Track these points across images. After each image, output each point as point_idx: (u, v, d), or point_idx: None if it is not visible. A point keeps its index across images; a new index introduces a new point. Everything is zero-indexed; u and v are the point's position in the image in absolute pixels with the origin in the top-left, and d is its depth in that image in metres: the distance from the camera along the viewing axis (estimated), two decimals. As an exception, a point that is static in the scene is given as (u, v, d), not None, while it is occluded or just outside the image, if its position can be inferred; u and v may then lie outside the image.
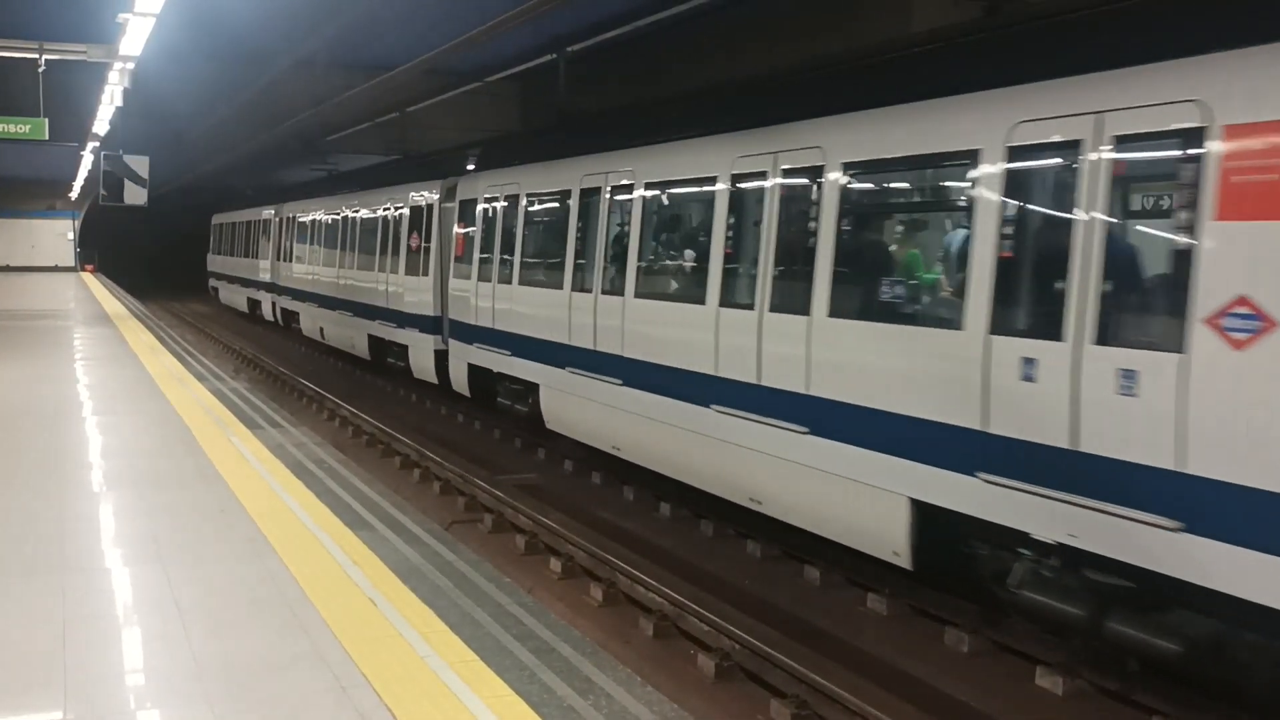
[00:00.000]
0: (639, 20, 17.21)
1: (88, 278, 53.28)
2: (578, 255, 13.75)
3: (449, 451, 15.75)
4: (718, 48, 18.10)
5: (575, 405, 13.79)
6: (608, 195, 13.25)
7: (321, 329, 27.18)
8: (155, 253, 67.19)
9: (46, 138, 21.33)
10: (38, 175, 50.20)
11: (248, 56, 21.29)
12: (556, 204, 14.67)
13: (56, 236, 60.16)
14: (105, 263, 61.39)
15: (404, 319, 20.64)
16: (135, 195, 29.43)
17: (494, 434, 17.64)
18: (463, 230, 17.59)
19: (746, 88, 13.14)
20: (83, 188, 49.46)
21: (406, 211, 20.77)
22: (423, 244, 19.81)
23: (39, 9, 17.44)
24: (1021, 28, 8.81)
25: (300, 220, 29.93)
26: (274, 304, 33.34)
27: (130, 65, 18.38)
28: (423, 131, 27.32)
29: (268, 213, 34.00)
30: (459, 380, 17.61)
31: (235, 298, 40.60)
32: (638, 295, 12.38)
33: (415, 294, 20.08)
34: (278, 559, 7.23)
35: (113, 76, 19.65)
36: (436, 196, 19.46)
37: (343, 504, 8.80)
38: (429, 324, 19.36)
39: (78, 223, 60.02)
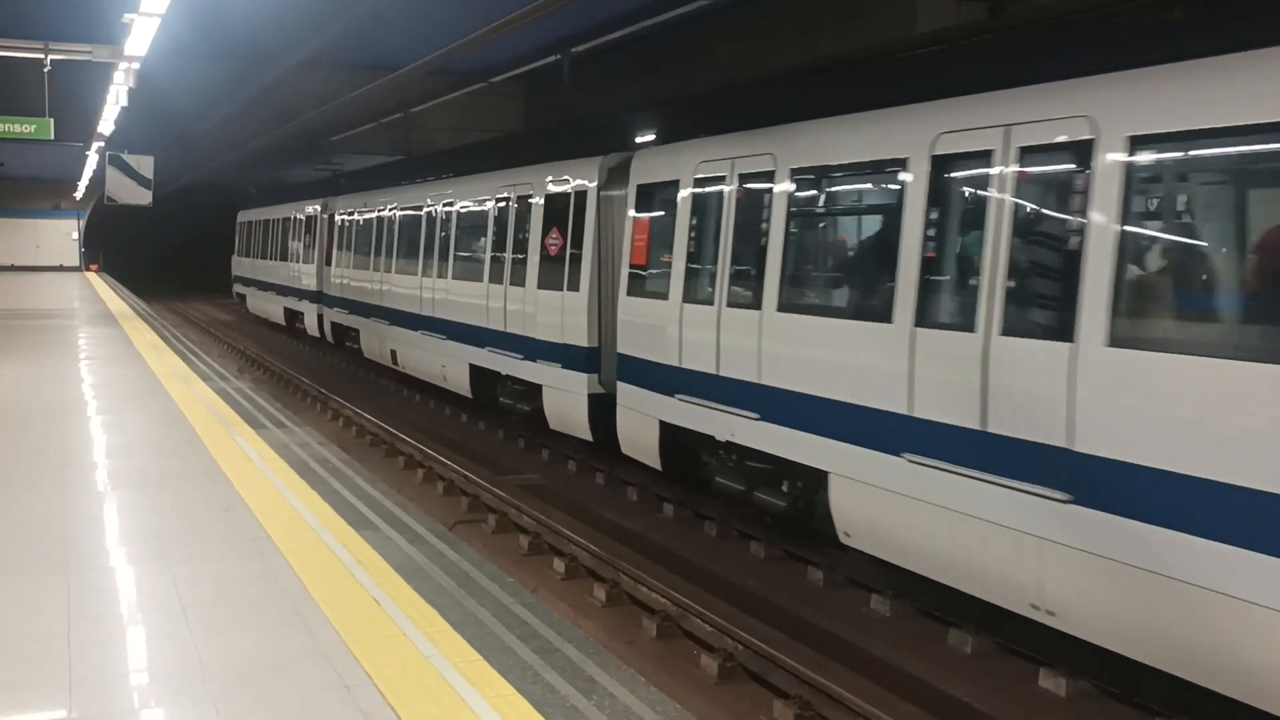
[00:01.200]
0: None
1: (92, 277, 53.35)
2: (931, 268, 8.52)
3: (453, 451, 15.77)
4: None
5: (919, 516, 8.43)
6: (1009, 168, 7.78)
7: (393, 352, 21.65)
8: (160, 252, 67.38)
9: (52, 137, 21.38)
10: (43, 175, 50.28)
11: (252, 56, 21.32)
12: (868, 184, 9.76)
13: (61, 236, 60.19)
14: (110, 262, 61.46)
15: (535, 348, 15.35)
16: (139, 195, 29.54)
17: (498, 434, 17.65)
18: (645, 228, 12.71)
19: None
20: (87, 187, 49.53)
21: (539, 203, 15.52)
22: (567, 247, 14.57)
23: (44, 9, 17.48)
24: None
25: (359, 217, 24.68)
26: (320, 317, 27.82)
27: (135, 65, 18.40)
28: (427, 131, 27.34)
29: (312, 208, 28.84)
30: (638, 442, 12.65)
31: (269, 307, 34.85)
32: (1118, 343, 6.91)
33: (556, 315, 14.70)
34: (281, 558, 7.24)
35: (118, 76, 19.68)
36: (592, 182, 14.22)
37: (346, 503, 8.81)
38: (579, 358, 14.12)
39: (82, 222, 60.07)
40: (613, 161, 14.17)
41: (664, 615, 9.14)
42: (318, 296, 28.11)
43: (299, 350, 31.13)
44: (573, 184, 14.66)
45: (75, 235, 60.50)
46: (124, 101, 22.06)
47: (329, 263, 26.93)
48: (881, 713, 7.10)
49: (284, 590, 6.60)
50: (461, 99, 25.03)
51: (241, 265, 41.52)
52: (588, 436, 14.06)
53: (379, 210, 23.24)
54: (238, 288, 42.44)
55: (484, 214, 17.38)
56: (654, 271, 12.39)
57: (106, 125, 25.85)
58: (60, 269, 58.50)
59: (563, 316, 14.46)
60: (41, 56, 18.48)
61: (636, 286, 12.68)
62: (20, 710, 4.99)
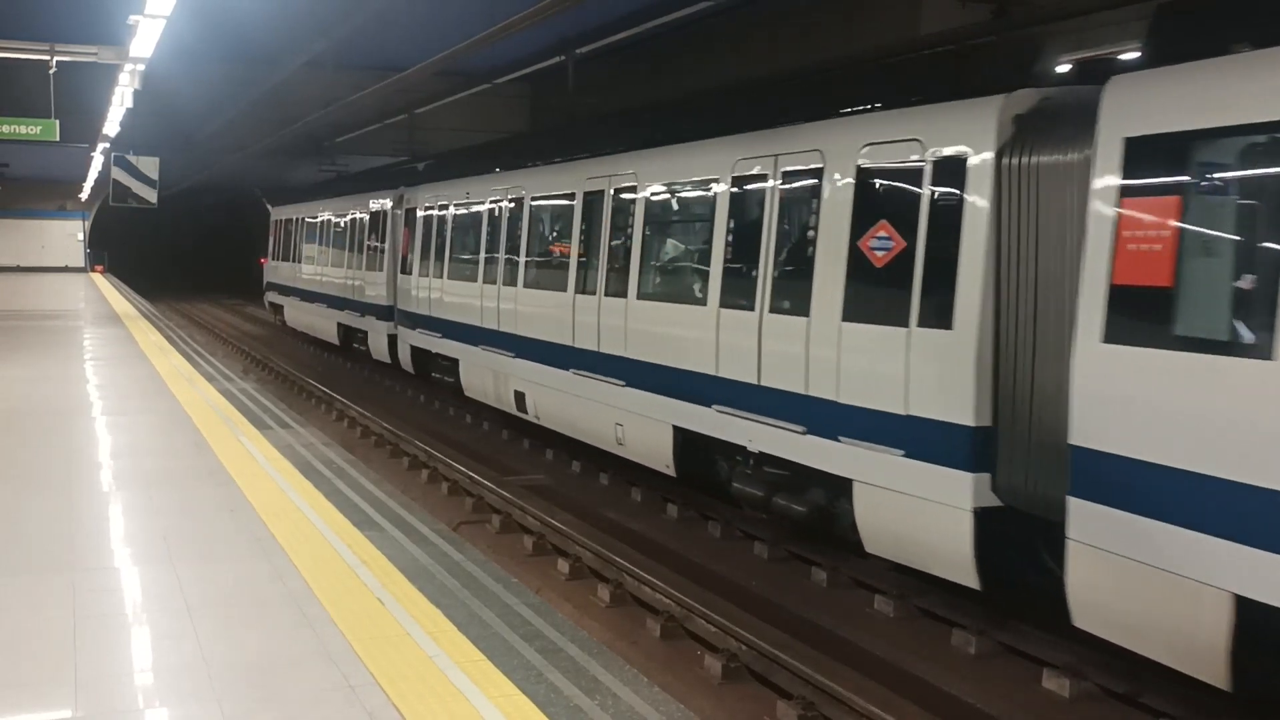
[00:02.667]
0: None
1: (97, 278, 53.45)
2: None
3: (457, 452, 15.79)
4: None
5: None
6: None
7: (520, 395, 15.67)
8: (166, 254, 67.53)
9: (57, 139, 21.42)
10: (48, 176, 50.39)
11: (257, 58, 21.35)
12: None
13: (66, 237, 60.34)
14: (115, 263, 61.59)
15: (834, 418, 9.51)
16: (145, 196, 29.59)
17: (502, 435, 17.67)
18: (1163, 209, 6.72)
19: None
20: (93, 188, 49.63)
21: (841, 181, 9.60)
22: (920, 252, 8.69)
23: (50, 11, 17.52)
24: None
25: (458, 210, 18.78)
26: (393, 339, 22.04)
27: (141, 67, 18.43)
28: (431, 133, 27.36)
29: (380, 201, 23.47)
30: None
31: (317, 323, 28.90)
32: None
33: (892, 365, 8.88)
34: (286, 558, 7.26)
35: (123, 78, 19.72)
36: (988, 136, 8.20)
37: (351, 504, 8.83)
38: (951, 443, 8.38)
39: (87, 223, 60.19)
40: (1028, 101, 8.22)
41: (668, 616, 9.15)
42: (389, 313, 22.29)
43: (304, 351, 31.16)
44: (938, 145, 8.54)
45: (80, 236, 60.62)
46: (129, 103, 22.10)
47: (406, 270, 21.04)
48: (885, 714, 7.10)
49: (289, 590, 6.62)
50: (466, 100, 25.05)
51: (278, 271, 34.78)
52: (969, 581, 8.32)
53: (494, 200, 17.12)
54: (272, 297, 35.83)
55: (708, 201, 11.45)
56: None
57: (112, 127, 25.89)
58: (65, 270, 58.60)
59: (908, 368, 8.63)
60: (47, 58, 18.52)
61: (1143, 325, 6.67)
62: (25, 709, 5.01)
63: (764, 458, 10.43)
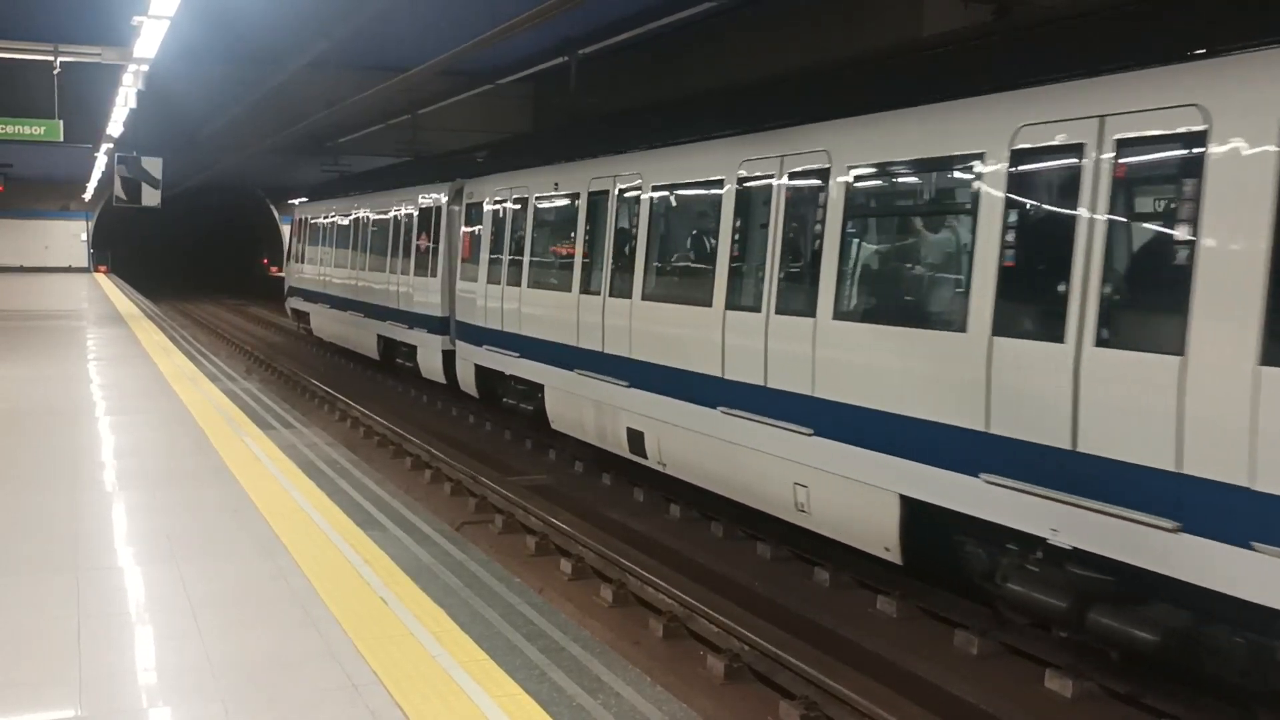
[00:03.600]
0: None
1: (101, 278, 53.51)
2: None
3: (460, 452, 15.80)
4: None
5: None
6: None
7: (635, 433, 12.60)
8: (169, 254, 67.62)
9: (61, 139, 21.46)
10: (52, 176, 50.47)
11: (260, 58, 21.38)
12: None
13: (70, 237, 60.42)
14: (118, 264, 61.67)
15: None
16: (148, 196, 29.63)
17: (504, 435, 17.68)
18: None
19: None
20: (96, 189, 49.68)
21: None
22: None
23: (54, 12, 17.56)
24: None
25: (543, 205, 15.45)
26: (449, 356, 18.98)
27: (144, 67, 18.47)
28: (433, 133, 27.39)
29: (431, 197, 20.32)
30: None
31: (350, 333, 25.75)
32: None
33: None
34: (290, 558, 7.27)
35: (127, 78, 19.76)
36: None
37: (354, 504, 8.84)
38: None
39: (91, 224, 60.27)
40: None
41: (670, 616, 9.15)
42: (443, 325, 19.24)
43: (306, 352, 31.18)
44: None
45: (84, 236, 60.69)
46: (133, 103, 22.14)
47: (469, 275, 17.92)
48: (887, 714, 7.11)
49: (292, 590, 6.63)
50: (469, 100, 25.08)
51: (301, 275, 31.26)
52: None
53: (598, 190, 13.72)
54: (295, 303, 32.21)
55: (966, 191, 8.27)
56: None
57: (115, 127, 25.93)
58: (69, 270, 58.67)
59: None
60: (51, 59, 18.55)
61: None
62: (30, 708, 5.02)
63: (1073, 553, 7.23)
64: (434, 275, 19.76)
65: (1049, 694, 7.92)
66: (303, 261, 31.30)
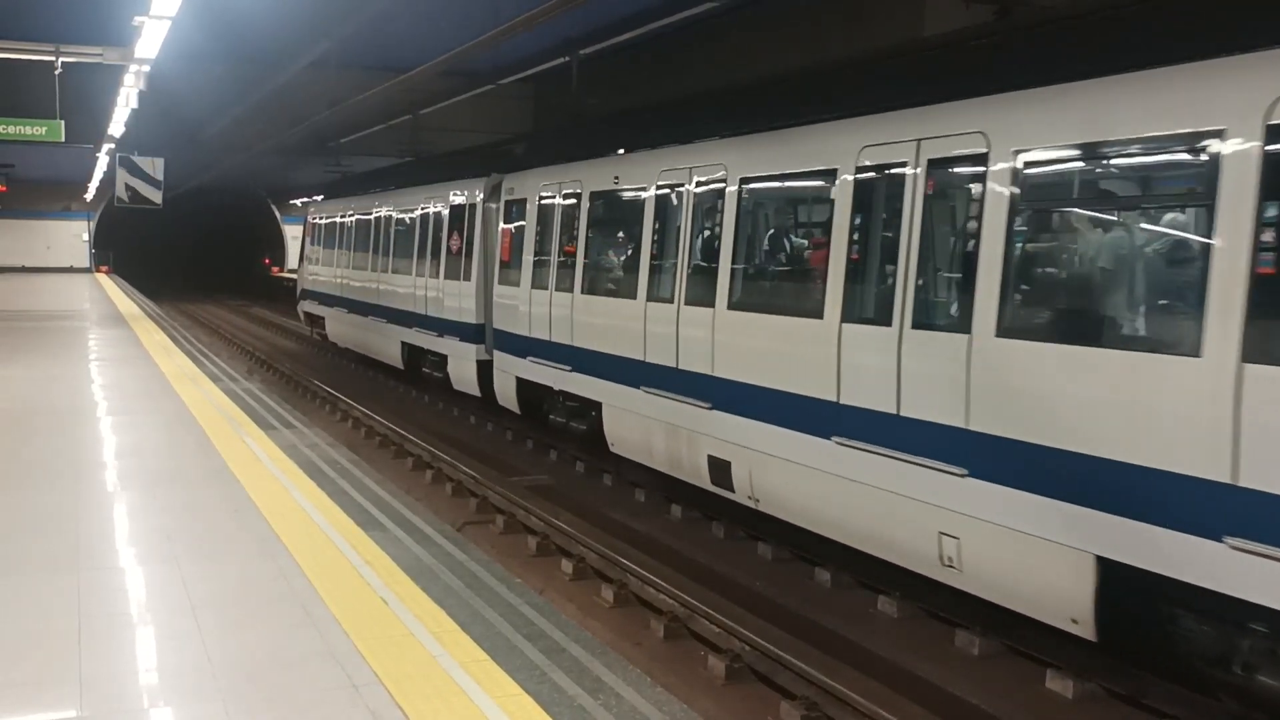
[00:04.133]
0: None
1: (102, 279, 53.53)
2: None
3: (461, 453, 15.80)
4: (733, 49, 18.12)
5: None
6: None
7: (741, 473, 10.79)
8: (171, 254, 67.64)
9: (62, 139, 21.49)
10: (53, 177, 50.51)
11: (262, 58, 21.40)
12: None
13: (72, 238, 60.45)
14: (120, 264, 61.72)
15: None
16: (150, 196, 29.66)
17: (506, 435, 17.68)
18: None
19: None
20: (98, 189, 49.70)
21: None
22: None
23: (56, 12, 17.57)
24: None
25: (610, 199, 13.77)
26: (485, 367, 17.46)
27: (145, 68, 18.49)
28: (434, 133, 27.40)
29: (463, 193, 18.73)
30: None
31: (370, 340, 24.16)
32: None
33: None
34: (290, 558, 7.27)
35: (128, 79, 19.77)
36: None
37: (355, 504, 8.84)
38: None
39: (93, 224, 60.30)
40: None
41: (671, 616, 9.15)
42: (477, 333, 17.77)
43: (308, 352, 31.20)
44: None
45: (86, 237, 60.72)
46: (134, 104, 22.16)
47: (509, 278, 16.26)
48: (888, 714, 7.10)
49: (293, 590, 6.63)
50: (470, 100, 25.08)
51: (316, 277, 29.52)
52: None
53: (669, 184, 12.18)
54: (309, 307, 30.49)
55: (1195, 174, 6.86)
56: None
57: (117, 127, 25.95)
58: (71, 270, 58.70)
59: None
60: (52, 59, 18.58)
61: None
62: (31, 708, 5.02)
63: None
64: (467, 279, 18.08)
65: (1050, 694, 7.93)
66: (318, 263, 29.46)
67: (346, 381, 24.00)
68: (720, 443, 10.91)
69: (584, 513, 12.68)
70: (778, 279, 11.02)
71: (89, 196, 54.72)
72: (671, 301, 11.81)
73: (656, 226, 12.29)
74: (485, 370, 17.39)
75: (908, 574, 9.04)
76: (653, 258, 12.32)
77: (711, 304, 11.07)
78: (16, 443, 11.12)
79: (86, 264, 60.53)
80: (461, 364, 18.37)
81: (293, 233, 63.74)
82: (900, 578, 9.56)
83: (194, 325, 36.42)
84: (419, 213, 20.87)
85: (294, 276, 51.98)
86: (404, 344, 21.58)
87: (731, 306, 10.83)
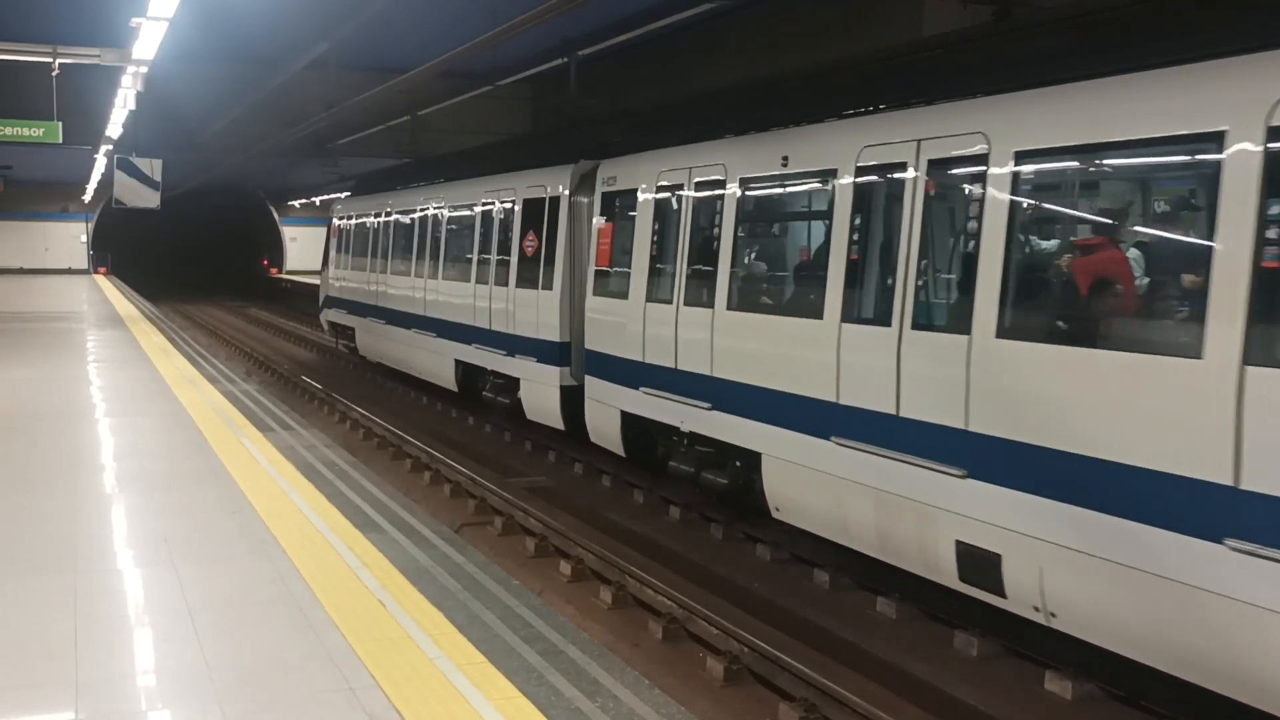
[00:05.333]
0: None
1: (100, 280, 53.50)
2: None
3: (459, 454, 15.79)
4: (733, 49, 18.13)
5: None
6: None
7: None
8: (169, 255, 67.62)
9: (60, 141, 21.48)
10: (51, 178, 50.49)
11: (260, 60, 21.42)
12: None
13: (70, 239, 60.41)
14: (118, 266, 61.70)
15: None
16: (148, 198, 29.64)
17: (504, 436, 17.67)
18: None
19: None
20: (96, 190, 49.68)
21: None
22: None
23: (53, 13, 17.58)
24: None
25: (772, 189, 10.96)
26: (571, 395, 14.57)
27: (143, 69, 18.48)
28: (433, 134, 27.40)
29: (541, 185, 15.68)
30: None
31: (414, 357, 20.89)
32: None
33: None
34: (288, 560, 7.26)
35: (126, 80, 19.77)
36: None
37: (353, 506, 8.83)
38: None
39: (91, 225, 60.28)
40: None
41: (670, 618, 9.14)
42: (560, 353, 14.85)
43: (306, 354, 31.18)
44: None
45: (84, 238, 60.70)
46: (132, 105, 22.14)
47: (607, 288, 13.48)
48: (887, 715, 7.10)
49: (290, 592, 6.62)
50: (469, 101, 25.08)
51: (344, 284, 26.47)
52: None
53: (881, 170, 9.04)
54: (334, 316, 27.35)
55: None
56: None
57: (114, 129, 25.94)
58: (69, 272, 58.68)
59: None
60: (50, 60, 18.57)
61: None
62: (27, 711, 5.01)
63: None
64: (549, 288, 15.13)
65: (1049, 695, 7.92)
66: (346, 267, 26.27)
67: (344, 383, 23.99)
68: (981, 526, 7.75)
69: (582, 514, 12.67)
70: (1097, 304, 7.35)
71: (87, 198, 54.69)
72: (889, 325, 8.55)
73: (858, 222, 9.11)
74: (572, 398, 14.52)
75: (906, 576, 9.01)
76: (850, 265, 9.14)
77: (965, 330, 7.85)
78: (14, 444, 11.10)
79: (85, 265, 60.50)
80: (539, 390, 15.34)
81: (291, 234, 63.89)
82: (899, 579, 9.54)
83: (192, 327, 36.40)
84: (479, 209, 17.89)
85: (291, 278, 51.84)
86: (458, 362, 18.61)
87: (1006, 334, 7.58)
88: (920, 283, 8.48)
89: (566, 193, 14.97)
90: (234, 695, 5.14)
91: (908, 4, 14.09)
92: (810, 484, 9.63)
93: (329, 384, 22.77)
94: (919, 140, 8.53)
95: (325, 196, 51.67)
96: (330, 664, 5.52)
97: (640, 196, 12.70)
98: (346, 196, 28.35)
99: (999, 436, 7.58)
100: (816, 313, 9.43)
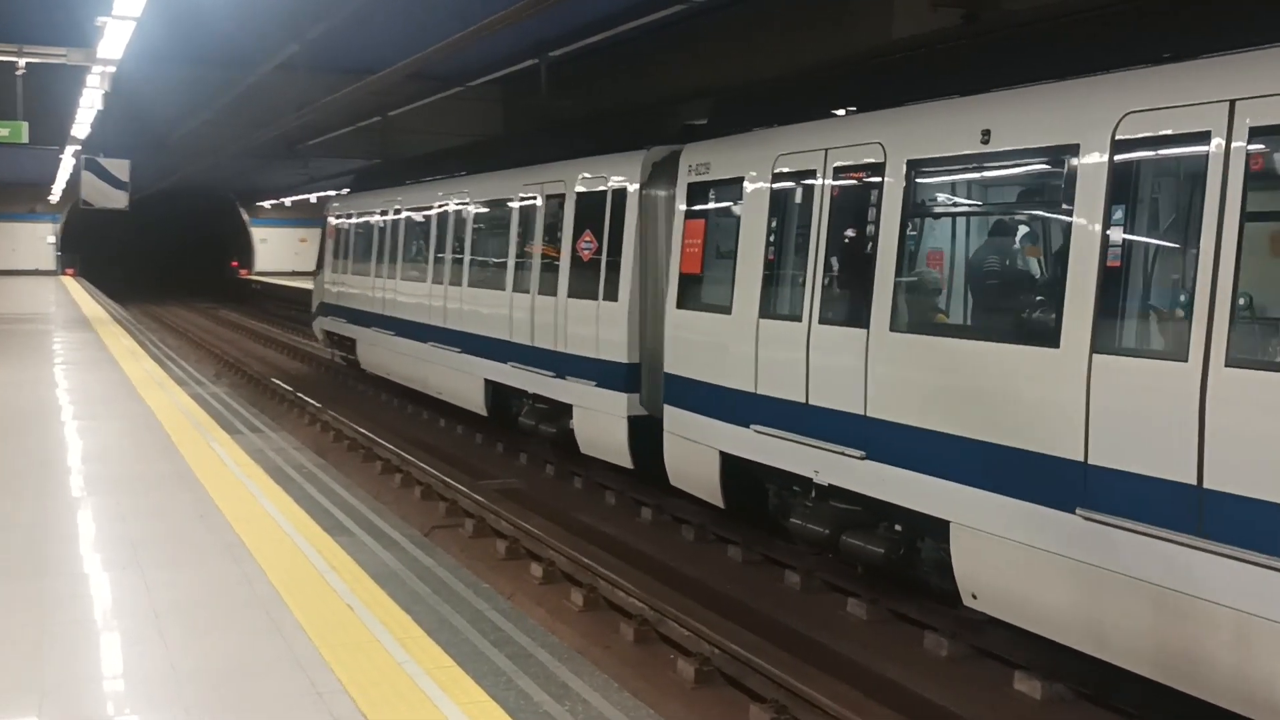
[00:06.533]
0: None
1: (68, 282, 53.03)
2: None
3: (430, 456, 15.73)
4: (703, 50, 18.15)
5: None
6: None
7: None
8: (138, 256, 67.07)
9: (26, 141, 21.25)
10: (18, 179, 50.00)
11: (229, 60, 21.28)
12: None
13: (37, 240, 59.86)
14: (87, 267, 61.18)
15: None
16: (116, 199, 29.41)
17: (476, 438, 17.61)
18: None
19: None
20: (64, 191, 49.24)
21: None
22: None
23: (18, 12, 17.40)
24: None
25: (930, 175, 8.47)
26: (640, 427, 12.38)
27: (110, 69, 18.33)
28: (403, 135, 27.30)
29: (600, 177, 13.35)
30: None
31: (431, 375, 18.51)
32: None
33: None
34: (255, 564, 7.21)
35: (92, 80, 19.60)
36: None
37: (322, 509, 8.78)
38: None
39: (59, 226, 59.74)
40: None
41: (641, 620, 9.13)
42: (625, 377, 12.56)
43: (276, 355, 31.00)
44: None
45: (51, 239, 60.15)
46: (99, 105, 21.96)
47: (693, 298, 11.24)
48: (857, 716, 7.11)
49: (257, 596, 6.57)
50: (440, 102, 25.01)
51: (343, 289, 23.94)
52: None
53: (1176, 126, 6.42)
54: (331, 325, 24.89)
55: None
56: None
57: (81, 129, 25.71)
58: (36, 273, 58.12)
59: None
60: (15, 59, 18.39)
61: None
62: (-11, 718, 4.96)
63: None
64: (612, 298, 12.74)
65: (1018, 695, 7.95)
66: (346, 271, 23.69)
67: (315, 385, 23.86)
68: None
69: (553, 516, 12.64)
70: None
71: (54, 199, 54.20)
72: (1181, 358, 6.19)
73: (1118, 216, 6.77)
74: (643, 431, 12.32)
75: (878, 576, 9.02)
76: (1108, 277, 6.75)
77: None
78: (-22, 448, 10.99)
79: (53, 267, 59.95)
80: (599, 419, 13.02)
81: (260, 235, 63.58)
82: (870, 581, 9.57)
83: (161, 329, 36.11)
84: (517, 204, 15.44)
85: (261, 280, 51.54)
86: (489, 383, 16.16)
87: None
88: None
89: (636, 185, 12.59)
90: (201, 700, 5.10)
91: (878, 8, 14.14)
92: (1037, 575, 7.19)
93: (299, 386, 22.65)
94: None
95: (297, 196, 51.44)
96: (298, 668, 5.49)
97: (748, 188, 10.35)
98: (347, 192, 25.86)
99: None
100: (1046, 336, 7.10)
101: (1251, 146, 5.98)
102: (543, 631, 6.17)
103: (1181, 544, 6.14)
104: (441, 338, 17.82)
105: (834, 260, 9.19)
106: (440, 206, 18.52)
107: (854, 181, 9.08)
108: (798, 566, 10.40)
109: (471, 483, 13.86)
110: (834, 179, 9.25)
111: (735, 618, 9.20)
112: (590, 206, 13.38)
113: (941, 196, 8.86)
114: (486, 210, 16.87)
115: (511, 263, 15.41)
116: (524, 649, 5.77)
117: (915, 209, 8.55)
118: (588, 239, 13.39)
